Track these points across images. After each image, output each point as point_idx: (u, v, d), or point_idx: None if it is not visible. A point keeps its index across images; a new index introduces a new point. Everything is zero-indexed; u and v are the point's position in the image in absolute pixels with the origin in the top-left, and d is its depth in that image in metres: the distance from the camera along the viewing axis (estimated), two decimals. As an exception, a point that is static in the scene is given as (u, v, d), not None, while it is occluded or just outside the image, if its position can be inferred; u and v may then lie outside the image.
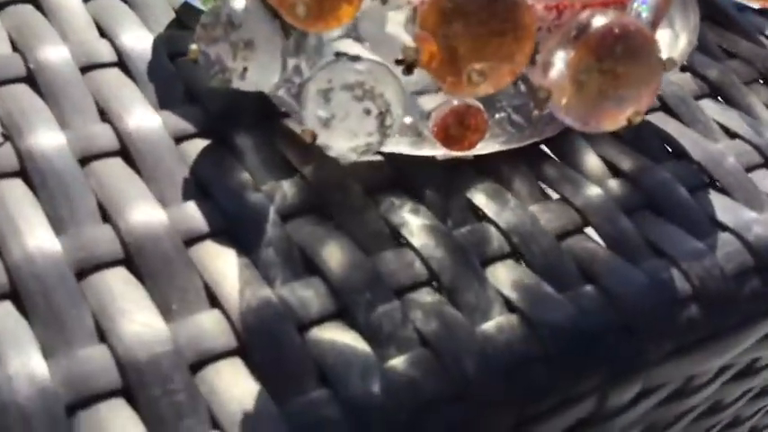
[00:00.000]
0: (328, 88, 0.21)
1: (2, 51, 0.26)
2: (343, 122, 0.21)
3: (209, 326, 0.20)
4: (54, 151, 0.23)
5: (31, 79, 0.25)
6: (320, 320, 0.20)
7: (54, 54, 0.26)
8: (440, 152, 0.24)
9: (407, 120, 0.23)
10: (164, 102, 0.25)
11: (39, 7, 0.27)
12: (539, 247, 0.23)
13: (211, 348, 0.19)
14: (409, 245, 0.22)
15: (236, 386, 0.19)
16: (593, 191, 0.24)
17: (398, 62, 0.21)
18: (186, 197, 0.22)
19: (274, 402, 0.18)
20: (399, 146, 0.24)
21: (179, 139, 0.24)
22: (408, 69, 0.20)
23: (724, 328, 0.23)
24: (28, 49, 0.26)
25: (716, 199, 0.25)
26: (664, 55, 0.22)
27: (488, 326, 0.21)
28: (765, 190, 0.26)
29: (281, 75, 0.23)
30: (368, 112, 0.21)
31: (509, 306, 0.21)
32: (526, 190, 0.24)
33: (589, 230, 0.24)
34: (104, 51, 0.26)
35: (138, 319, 0.19)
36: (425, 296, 0.21)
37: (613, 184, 0.25)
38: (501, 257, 0.22)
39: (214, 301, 0.20)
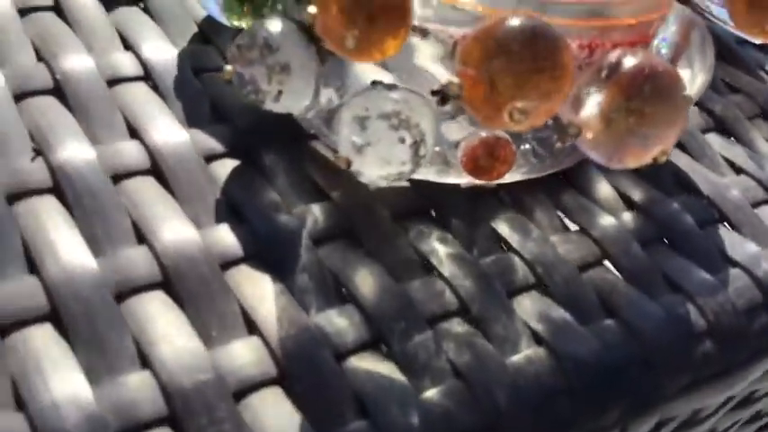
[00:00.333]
0: (365, 116, 0.21)
1: (27, 61, 0.25)
2: (376, 150, 0.21)
3: (249, 353, 0.20)
4: (87, 168, 0.22)
5: (58, 91, 0.24)
6: (356, 349, 0.20)
7: (80, 65, 0.25)
8: (464, 180, 0.25)
9: (436, 148, 0.24)
10: (191, 119, 0.25)
11: (60, 14, 0.27)
12: (561, 279, 0.23)
13: (252, 376, 0.19)
14: (440, 274, 0.22)
15: (278, 416, 0.19)
16: (609, 221, 0.25)
17: (434, 93, 0.21)
18: (219, 219, 0.22)
19: (318, 433, 0.19)
20: (426, 173, 0.24)
21: (208, 158, 0.24)
22: (443, 101, 0.21)
23: (735, 363, 0.23)
24: (53, 57, 0.25)
25: (725, 233, 0.26)
26: (685, 94, 0.23)
27: (518, 358, 0.21)
28: (771, 226, 0.26)
29: (312, 100, 0.23)
30: (402, 140, 0.21)
31: (536, 338, 0.22)
32: (546, 220, 0.25)
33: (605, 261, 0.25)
34: (128, 64, 0.26)
35: (179, 344, 0.19)
36: (456, 326, 0.21)
37: (627, 216, 0.26)
38: (526, 288, 0.23)
39: (252, 327, 0.20)
